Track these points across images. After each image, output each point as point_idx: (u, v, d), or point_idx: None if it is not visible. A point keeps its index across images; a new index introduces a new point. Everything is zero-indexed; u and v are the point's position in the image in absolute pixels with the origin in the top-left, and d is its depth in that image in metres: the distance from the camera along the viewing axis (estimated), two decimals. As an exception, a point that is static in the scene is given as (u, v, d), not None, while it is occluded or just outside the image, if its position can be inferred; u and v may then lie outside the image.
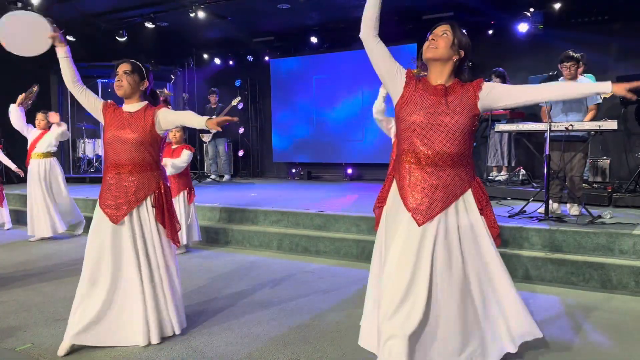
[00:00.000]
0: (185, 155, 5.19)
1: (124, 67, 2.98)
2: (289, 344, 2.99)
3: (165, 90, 6.61)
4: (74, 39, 9.07)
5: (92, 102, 3.09)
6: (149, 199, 2.99)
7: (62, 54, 3.03)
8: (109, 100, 3.13)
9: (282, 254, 5.31)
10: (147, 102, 3.07)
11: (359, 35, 2.48)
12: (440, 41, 2.38)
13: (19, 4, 6.75)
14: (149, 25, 8.68)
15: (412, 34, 8.46)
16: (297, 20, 9.09)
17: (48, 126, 6.19)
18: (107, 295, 2.91)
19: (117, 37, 9.18)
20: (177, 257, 3.16)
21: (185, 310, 3.27)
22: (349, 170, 10.11)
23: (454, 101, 2.36)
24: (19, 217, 7.20)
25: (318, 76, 10.36)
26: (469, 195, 2.44)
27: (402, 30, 8.50)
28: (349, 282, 4.25)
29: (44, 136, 6.17)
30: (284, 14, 8.61)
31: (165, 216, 3.02)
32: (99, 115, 3.09)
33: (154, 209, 2.99)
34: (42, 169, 6.11)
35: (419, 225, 2.33)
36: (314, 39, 9.65)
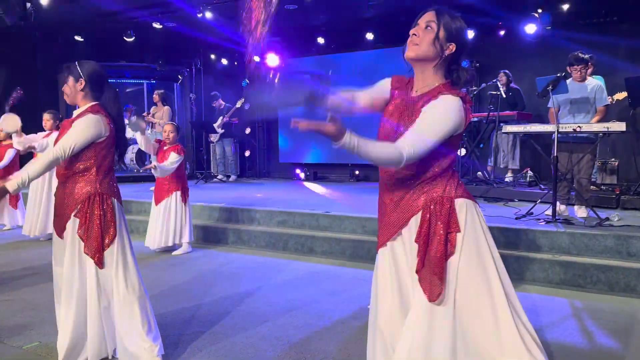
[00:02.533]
0: (173, 158, 5.12)
1: (60, 77, 2.73)
2: (295, 345, 2.99)
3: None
4: (82, 39, 9.13)
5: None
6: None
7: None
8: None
9: (288, 255, 5.31)
10: (93, 103, 2.72)
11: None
12: (424, 36, 1.92)
13: (29, 5, 6.79)
14: (157, 25, 8.72)
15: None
16: (304, 20, 9.09)
17: (55, 126, 6.22)
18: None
19: (125, 38, 9.22)
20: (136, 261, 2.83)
21: (190, 310, 3.27)
22: (356, 171, 10.09)
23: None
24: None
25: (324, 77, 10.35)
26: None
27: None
28: (355, 284, 4.25)
29: (50, 137, 6.19)
30: (291, 15, 8.62)
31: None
32: None
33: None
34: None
35: None
36: (320, 40, 9.65)
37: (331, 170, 10.52)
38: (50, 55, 9.32)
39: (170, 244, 5.28)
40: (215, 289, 4.13)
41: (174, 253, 5.34)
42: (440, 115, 1.85)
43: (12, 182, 2.48)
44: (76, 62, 2.74)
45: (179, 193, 5.28)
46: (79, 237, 2.64)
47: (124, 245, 2.73)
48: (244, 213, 6.05)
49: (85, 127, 2.62)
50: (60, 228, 2.71)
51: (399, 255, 2.02)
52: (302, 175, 10.49)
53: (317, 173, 10.46)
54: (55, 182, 6.04)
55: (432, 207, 1.92)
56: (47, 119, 6.18)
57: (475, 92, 7.57)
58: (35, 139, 5.88)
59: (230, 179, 9.97)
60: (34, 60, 9.51)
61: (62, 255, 2.71)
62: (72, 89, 2.71)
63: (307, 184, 9.56)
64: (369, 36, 8.90)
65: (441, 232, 1.89)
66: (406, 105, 2.02)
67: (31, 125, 6.26)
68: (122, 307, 2.66)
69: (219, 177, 9.97)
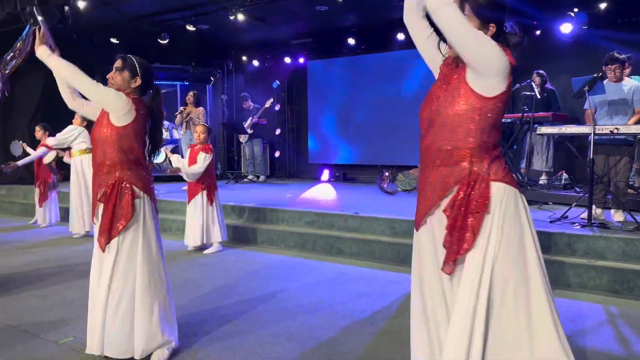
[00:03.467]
0: (201, 158, 5.24)
1: (116, 64, 2.81)
2: (322, 343, 3.00)
3: None
4: (117, 41, 9.35)
5: (94, 109, 2.94)
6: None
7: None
8: None
9: (317, 255, 5.32)
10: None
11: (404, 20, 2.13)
12: None
13: (67, 8, 6.99)
14: (190, 28, 8.86)
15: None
16: (334, 21, 9.11)
17: (85, 123, 6.42)
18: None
19: (159, 40, 9.40)
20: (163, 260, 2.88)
21: (217, 307, 3.30)
22: (386, 173, 10.03)
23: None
24: (64, 214, 7.45)
25: (355, 78, 10.35)
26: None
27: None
28: (383, 285, 4.22)
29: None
30: (322, 16, 8.64)
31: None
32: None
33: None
34: (79, 167, 6.33)
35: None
36: (351, 41, 9.65)
37: (360, 171, 10.49)
38: (86, 57, 9.60)
39: (198, 243, 5.36)
40: (244, 287, 4.17)
41: (205, 252, 5.41)
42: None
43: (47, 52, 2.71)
44: (134, 59, 2.81)
45: (205, 192, 5.35)
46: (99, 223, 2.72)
47: (150, 239, 2.77)
48: (273, 213, 6.09)
49: (110, 89, 2.74)
50: (93, 215, 2.82)
51: (437, 232, 2.02)
52: (330, 175, 10.50)
53: (346, 174, 10.45)
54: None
55: (465, 185, 1.92)
56: (78, 115, 6.38)
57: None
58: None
59: (260, 179, 10.05)
60: (71, 62, 9.80)
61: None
62: (125, 82, 2.77)
63: (336, 185, 9.57)
64: (400, 36, 8.85)
65: (467, 210, 1.91)
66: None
67: (67, 124, 6.47)
68: (143, 298, 2.70)
69: (249, 177, 10.06)
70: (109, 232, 2.69)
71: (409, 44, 9.54)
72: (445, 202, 1.97)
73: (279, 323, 3.35)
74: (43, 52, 2.71)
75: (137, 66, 2.79)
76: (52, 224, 7.22)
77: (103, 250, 2.72)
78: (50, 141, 6.55)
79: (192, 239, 5.38)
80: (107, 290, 2.70)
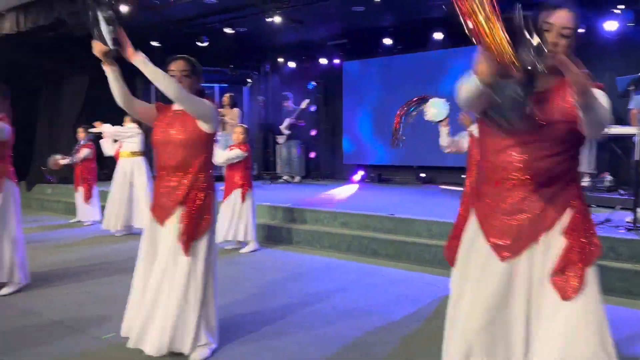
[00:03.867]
0: (233, 153, 5.40)
1: (180, 66, 2.78)
2: (359, 346, 2.99)
3: None
4: (158, 44, 9.56)
5: (149, 110, 2.95)
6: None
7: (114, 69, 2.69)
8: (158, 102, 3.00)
9: (352, 256, 5.32)
10: None
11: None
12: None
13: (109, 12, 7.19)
14: (228, 30, 8.98)
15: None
16: (370, 22, 9.07)
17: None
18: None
19: (197, 43, 9.56)
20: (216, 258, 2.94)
21: (253, 306, 3.33)
22: (421, 174, 9.94)
23: None
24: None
25: (390, 78, 10.28)
26: None
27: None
28: (420, 287, 4.18)
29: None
30: (358, 17, 8.62)
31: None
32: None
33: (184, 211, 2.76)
34: (127, 168, 6.51)
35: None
36: (387, 41, 9.58)
37: (396, 172, 10.41)
38: (127, 60, 9.90)
39: (230, 237, 5.45)
40: (279, 287, 4.20)
41: (240, 251, 5.49)
42: None
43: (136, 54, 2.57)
44: (196, 64, 2.85)
45: (240, 191, 5.43)
46: (179, 226, 2.72)
47: (212, 240, 2.86)
48: (308, 213, 6.11)
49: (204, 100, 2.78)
50: (163, 216, 2.78)
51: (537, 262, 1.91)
52: (364, 176, 10.46)
53: (381, 175, 10.39)
54: (138, 181, 6.27)
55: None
56: (127, 120, 6.61)
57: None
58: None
59: (295, 180, 10.11)
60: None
61: (154, 245, 2.81)
62: (189, 85, 2.77)
63: (371, 186, 9.53)
64: (437, 36, 8.74)
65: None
66: None
67: (113, 125, 6.70)
68: (195, 297, 2.73)
69: (284, 177, 10.13)
70: (192, 235, 2.73)
71: (446, 43, 9.41)
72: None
73: (314, 325, 3.36)
74: (139, 57, 2.58)
75: (200, 71, 2.86)
76: (95, 222, 7.44)
77: (186, 253, 2.72)
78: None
79: (222, 233, 5.46)
80: (160, 288, 2.72)
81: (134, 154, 6.56)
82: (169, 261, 2.73)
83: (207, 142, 2.84)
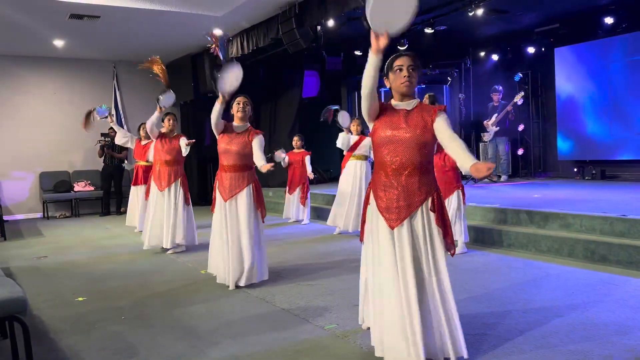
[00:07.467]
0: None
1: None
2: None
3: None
4: (360, 53, 9.96)
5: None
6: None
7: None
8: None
9: (575, 262, 4.83)
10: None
11: None
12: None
13: (319, 28, 7.74)
14: (429, 30, 8.94)
15: None
16: (586, 1, 8.15)
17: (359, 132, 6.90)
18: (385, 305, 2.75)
19: (398, 47, 9.71)
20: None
21: (481, 317, 3.22)
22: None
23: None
24: (320, 213, 8.27)
25: (611, 62, 9.09)
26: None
27: None
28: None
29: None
30: (572, -3, 7.83)
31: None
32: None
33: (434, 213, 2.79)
34: (357, 170, 6.77)
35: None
36: (608, 20, 8.49)
37: (624, 167, 9.16)
38: (333, 69, 10.60)
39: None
40: (499, 294, 3.99)
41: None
42: None
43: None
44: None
45: (458, 191, 5.29)
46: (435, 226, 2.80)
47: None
48: (520, 215, 5.73)
49: None
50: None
51: None
52: (586, 173, 9.41)
53: (605, 171, 9.24)
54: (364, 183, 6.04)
55: None
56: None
57: None
58: None
59: (502, 179, 9.59)
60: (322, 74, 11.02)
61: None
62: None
63: (593, 184, 8.54)
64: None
65: None
66: None
67: (315, 134, 7.16)
68: (451, 303, 2.75)
69: (490, 176, 9.67)
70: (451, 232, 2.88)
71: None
72: None
73: (534, 333, 3.13)
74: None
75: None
76: (305, 222, 8.06)
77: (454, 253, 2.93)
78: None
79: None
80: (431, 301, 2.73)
81: (360, 157, 6.81)
82: (430, 271, 2.75)
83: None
